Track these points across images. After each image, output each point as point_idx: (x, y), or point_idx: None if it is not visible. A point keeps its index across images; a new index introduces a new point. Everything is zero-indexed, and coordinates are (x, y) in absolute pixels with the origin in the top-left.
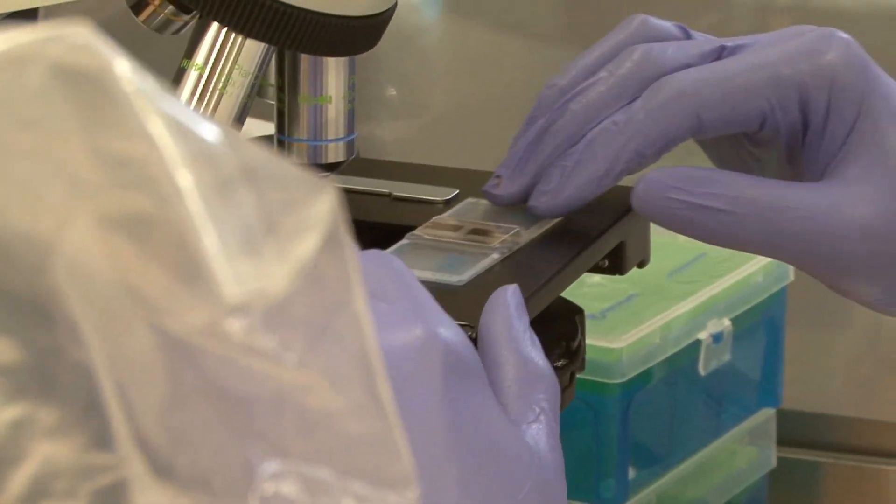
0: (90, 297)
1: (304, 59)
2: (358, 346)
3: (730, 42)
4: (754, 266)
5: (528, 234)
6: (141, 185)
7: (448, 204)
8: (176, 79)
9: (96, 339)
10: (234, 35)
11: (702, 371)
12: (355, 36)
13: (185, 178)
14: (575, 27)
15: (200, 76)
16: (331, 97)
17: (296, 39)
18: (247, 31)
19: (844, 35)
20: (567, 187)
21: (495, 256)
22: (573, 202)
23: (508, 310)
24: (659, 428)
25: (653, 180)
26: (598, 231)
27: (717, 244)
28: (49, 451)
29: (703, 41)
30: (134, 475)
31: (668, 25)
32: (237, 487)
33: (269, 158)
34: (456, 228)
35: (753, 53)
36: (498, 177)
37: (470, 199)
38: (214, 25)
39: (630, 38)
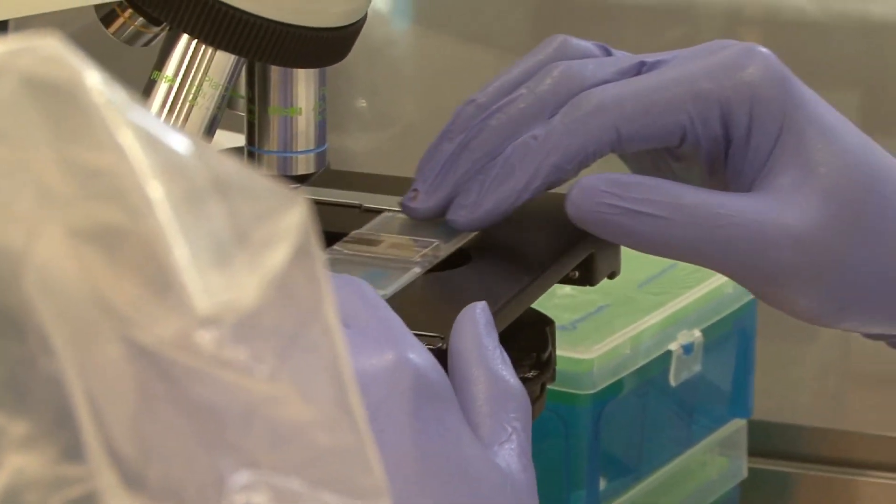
0: (61, 309)
1: (275, 71)
2: (329, 358)
3: (650, 58)
4: (724, 277)
5: (448, 248)
6: (111, 197)
7: None
8: (146, 91)
9: (67, 351)
10: (204, 47)
11: (672, 382)
12: (325, 47)
13: (155, 190)
14: (542, 39)
15: (171, 88)
16: (301, 109)
17: (266, 51)
18: (217, 42)
19: (764, 49)
20: (486, 201)
21: (416, 270)
22: (491, 216)
23: (478, 327)
24: (630, 439)
25: (586, 186)
26: (568, 242)
27: (650, 252)
28: (20, 463)
29: (624, 58)
30: (105, 486)
31: (588, 45)
32: (208, 498)
33: (240, 170)
34: (375, 243)
35: (673, 68)
36: (415, 190)
37: (387, 213)
38: (185, 37)
39: (550, 58)
